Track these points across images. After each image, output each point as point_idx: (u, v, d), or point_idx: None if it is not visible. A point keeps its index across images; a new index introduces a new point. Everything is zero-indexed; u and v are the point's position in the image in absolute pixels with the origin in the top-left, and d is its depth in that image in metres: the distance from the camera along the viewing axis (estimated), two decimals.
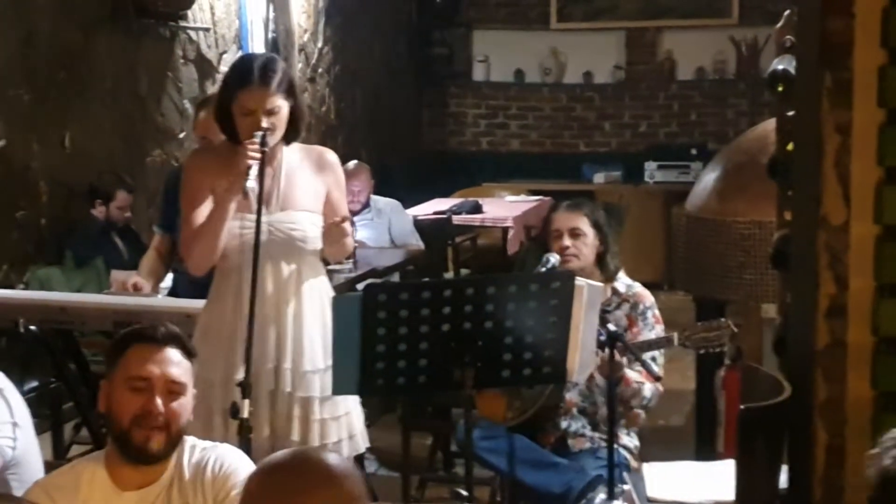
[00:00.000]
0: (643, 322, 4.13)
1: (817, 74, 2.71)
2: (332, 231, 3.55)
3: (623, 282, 4.22)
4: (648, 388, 4.03)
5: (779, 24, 3.32)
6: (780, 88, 3.10)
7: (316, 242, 3.59)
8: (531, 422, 4.12)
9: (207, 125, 4.59)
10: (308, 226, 3.56)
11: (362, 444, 3.68)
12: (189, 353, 2.74)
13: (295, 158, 3.61)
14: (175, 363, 2.69)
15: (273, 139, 3.46)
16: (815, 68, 2.73)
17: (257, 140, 3.39)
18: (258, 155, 3.38)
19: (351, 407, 3.61)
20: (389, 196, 7.17)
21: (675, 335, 3.86)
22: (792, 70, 3.03)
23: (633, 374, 3.99)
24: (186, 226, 3.53)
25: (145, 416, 2.63)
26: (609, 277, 4.16)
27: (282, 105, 3.47)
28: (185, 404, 2.69)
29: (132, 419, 2.64)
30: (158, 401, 2.64)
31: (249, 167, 3.36)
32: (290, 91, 3.51)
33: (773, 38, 3.40)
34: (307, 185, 3.60)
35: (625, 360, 3.83)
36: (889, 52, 2.67)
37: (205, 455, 2.74)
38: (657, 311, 4.19)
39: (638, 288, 4.22)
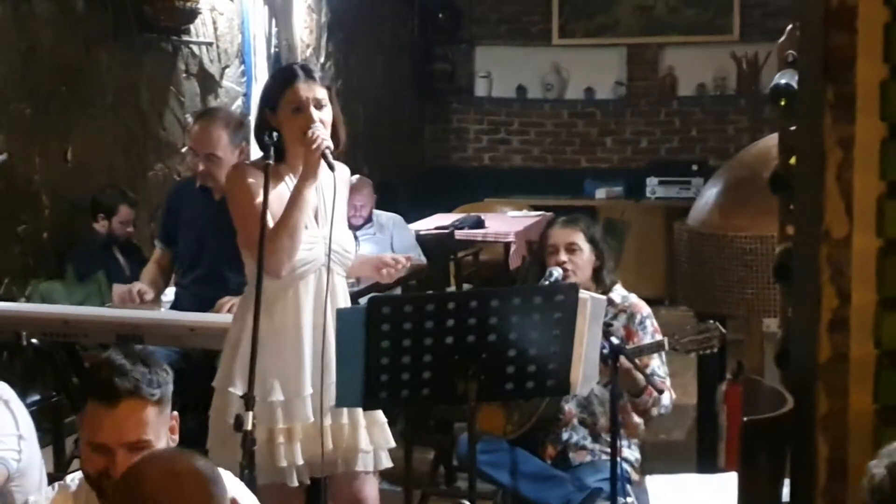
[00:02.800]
0: (643, 332, 4.15)
1: (820, 89, 2.72)
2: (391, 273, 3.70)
3: (618, 293, 4.24)
4: (667, 396, 4.06)
5: (781, 39, 3.33)
6: (782, 103, 3.11)
7: (353, 255, 3.68)
8: (532, 435, 4.12)
9: (200, 139, 4.60)
10: (351, 238, 3.66)
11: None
12: (155, 397, 2.56)
13: (326, 171, 3.60)
14: (133, 422, 2.52)
15: (327, 135, 3.48)
16: (818, 83, 2.73)
17: (317, 131, 3.41)
18: (327, 140, 3.42)
19: None
20: (392, 211, 7.19)
21: (666, 339, 3.89)
22: (794, 84, 3.04)
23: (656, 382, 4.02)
24: (251, 230, 3.42)
25: (109, 477, 2.51)
26: (605, 291, 4.18)
27: (327, 103, 3.51)
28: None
29: (97, 476, 2.55)
30: (120, 466, 2.47)
31: (323, 153, 3.39)
32: (330, 95, 3.56)
33: (776, 52, 3.41)
34: (339, 200, 3.63)
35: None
36: (891, 66, 2.67)
37: None
38: (655, 321, 4.21)
39: (634, 298, 4.24)
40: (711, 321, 3.88)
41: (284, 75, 3.58)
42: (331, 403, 3.49)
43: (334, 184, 3.57)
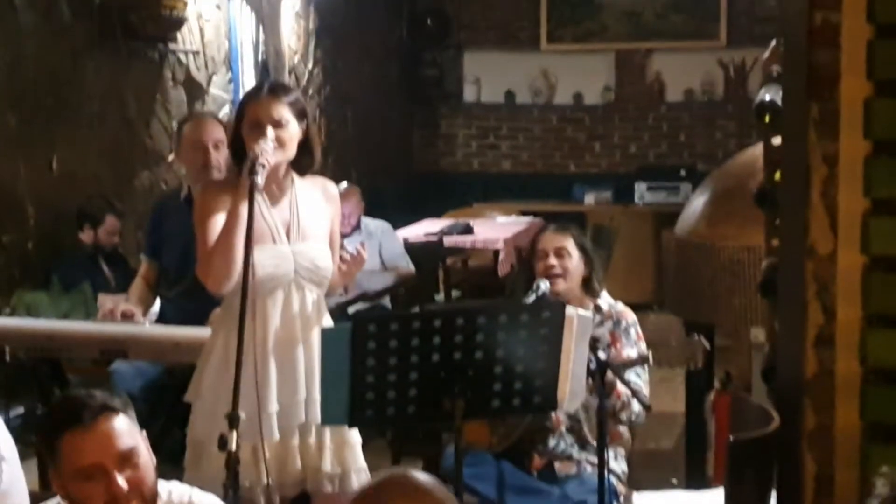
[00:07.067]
0: (626, 338, 4.14)
1: (804, 105, 2.72)
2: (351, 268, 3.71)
3: (606, 300, 4.25)
4: (636, 403, 4.03)
5: (765, 55, 3.33)
6: (767, 119, 3.11)
7: (330, 272, 3.63)
8: (517, 447, 4.11)
9: (205, 130, 4.61)
10: (327, 255, 3.61)
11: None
12: (122, 409, 2.58)
13: (305, 187, 3.63)
14: (115, 434, 2.53)
15: (280, 155, 3.46)
16: (802, 99, 2.73)
17: (264, 145, 3.39)
18: (268, 147, 3.38)
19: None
20: (380, 218, 7.17)
21: (650, 354, 3.88)
22: (779, 101, 3.04)
23: (623, 388, 3.98)
24: (202, 247, 3.48)
25: (116, 501, 2.50)
26: (594, 297, 4.19)
27: (290, 120, 3.49)
28: (144, 463, 2.57)
29: None
30: (120, 481, 2.50)
31: (255, 159, 3.33)
32: (301, 113, 3.54)
33: (760, 67, 3.41)
34: (319, 216, 3.63)
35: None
36: (875, 83, 2.68)
37: None
38: (639, 329, 4.21)
39: (620, 306, 4.25)
40: (696, 336, 3.87)
41: (250, 91, 3.63)
42: (300, 421, 3.48)
43: (302, 195, 3.59)
